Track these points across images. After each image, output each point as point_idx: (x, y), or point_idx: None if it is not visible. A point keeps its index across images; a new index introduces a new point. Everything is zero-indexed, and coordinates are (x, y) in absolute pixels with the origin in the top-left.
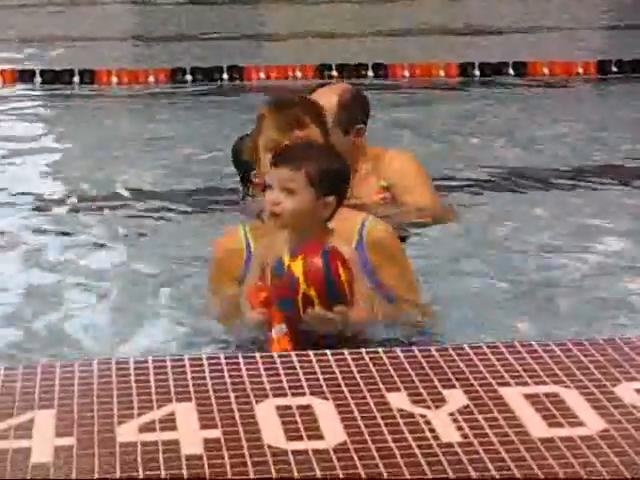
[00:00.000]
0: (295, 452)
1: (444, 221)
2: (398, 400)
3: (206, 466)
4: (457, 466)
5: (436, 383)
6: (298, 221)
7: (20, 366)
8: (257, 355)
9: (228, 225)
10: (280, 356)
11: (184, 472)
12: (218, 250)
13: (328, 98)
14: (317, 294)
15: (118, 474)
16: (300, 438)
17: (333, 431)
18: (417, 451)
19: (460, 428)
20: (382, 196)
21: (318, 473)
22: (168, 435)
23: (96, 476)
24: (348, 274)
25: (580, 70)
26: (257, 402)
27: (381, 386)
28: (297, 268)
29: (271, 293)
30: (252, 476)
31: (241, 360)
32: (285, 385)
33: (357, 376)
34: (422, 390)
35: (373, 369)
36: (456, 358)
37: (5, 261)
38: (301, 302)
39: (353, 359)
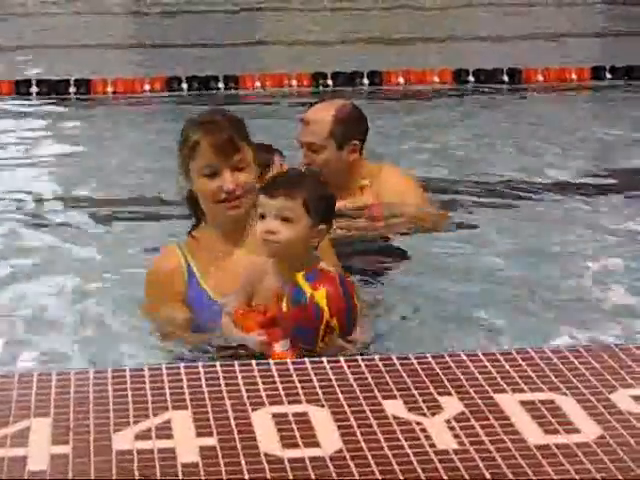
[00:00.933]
0: (291, 460)
1: (438, 228)
2: (394, 407)
3: (202, 474)
4: (453, 473)
5: (432, 390)
6: (293, 249)
7: (16, 374)
8: (253, 363)
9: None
10: (276, 364)
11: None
12: (157, 270)
13: (325, 111)
14: (339, 324)
15: None
16: (296, 446)
17: (329, 438)
18: (413, 458)
19: (456, 435)
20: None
21: None
22: (164, 443)
23: None
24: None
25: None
26: (253, 410)
27: (377, 393)
28: (321, 298)
29: (286, 317)
30: None
31: (237, 368)
32: (281, 393)
33: (353, 383)
34: (418, 397)
35: (369, 376)
36: (452, 365)
37: None
38: (322, 331)
39: (349, 366)
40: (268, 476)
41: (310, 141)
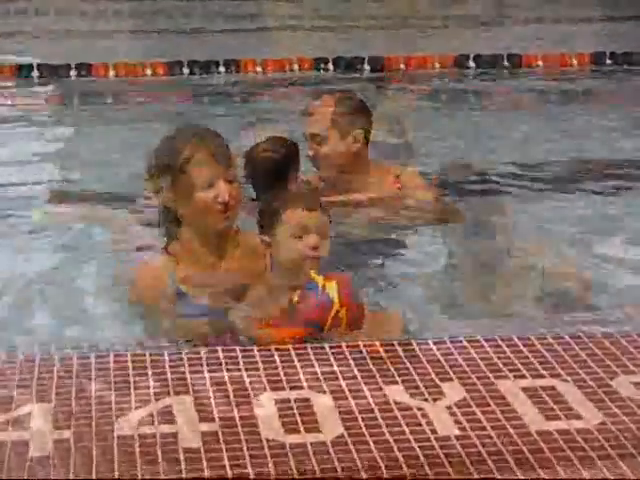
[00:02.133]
0: (293, 445)
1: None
2: (396, 393)
3: (204, 458)
4: (454, 459)
5: (433, 376)
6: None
7: (20, 357)
8: (255, 349)
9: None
10: (277, 350)
11: (182, 465)
12: (141, 288)
13: (327, 102)
14: (347, 315)
15: (116, 466)
16: (298, 431)
17: (331, 424)
18: (415, 444)
19: (457, 421)
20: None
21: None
22: (166, 428)
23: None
24: None
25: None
26: (255, 396)
27: (378, 379)
28: (331, 289)
29: (298, 308)
30: (250, 469)
31: (239, 354)
32: (283, 379)
33: (354, 369)
34: (419, 383)
35: (370, 362)
36: (454, 351)
37: None
38: (331, 320)
39: (350, 352)
40: (269, 461)
41: (313, 132)
